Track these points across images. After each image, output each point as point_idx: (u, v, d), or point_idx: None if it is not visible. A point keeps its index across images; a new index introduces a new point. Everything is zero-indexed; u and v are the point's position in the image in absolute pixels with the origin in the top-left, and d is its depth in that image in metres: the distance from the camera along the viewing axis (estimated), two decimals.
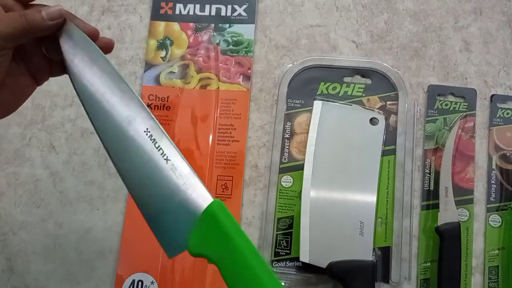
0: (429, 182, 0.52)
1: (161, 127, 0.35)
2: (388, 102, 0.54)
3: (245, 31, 0.57)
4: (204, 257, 0.34)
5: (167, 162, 0.35)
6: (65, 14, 0.36)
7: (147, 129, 0.35)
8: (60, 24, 0.36)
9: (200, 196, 0.34)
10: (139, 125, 0.35)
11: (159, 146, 0.35)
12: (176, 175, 0.34)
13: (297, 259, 0.49)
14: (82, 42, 0.36)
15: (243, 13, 0.57)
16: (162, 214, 0.35)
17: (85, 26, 0.37)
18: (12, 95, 0.38)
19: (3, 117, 0.38)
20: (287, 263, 0.51)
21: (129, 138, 0.35)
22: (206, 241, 0.33)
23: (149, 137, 0.35)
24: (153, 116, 0.36)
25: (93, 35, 0.37)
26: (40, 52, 0.38)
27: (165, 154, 0.35)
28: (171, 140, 0.35)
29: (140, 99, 0.36)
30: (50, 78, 0.40)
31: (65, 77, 0.38)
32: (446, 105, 0.54)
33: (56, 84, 0.56)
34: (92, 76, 0.36)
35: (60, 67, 0.37)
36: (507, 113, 0.54)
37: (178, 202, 0.34)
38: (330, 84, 0.55)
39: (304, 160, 0.51)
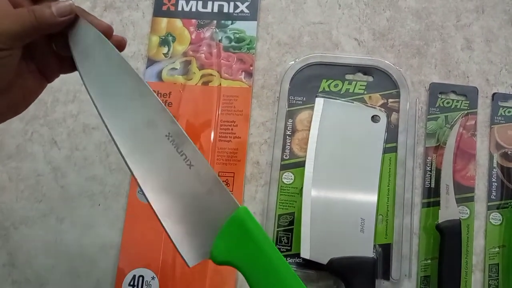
0: (430, 179, 0.52)
1: (184, 132, 0.34)
2: (390, 100, 0.54)
3: (247, 28, 0.57)
4: (229, 265, 0.33)
5: (190, 168, 0.34)
6: (76, 10, 0.34)
7: (169, 133, 0.34)
8: (71, 21, 0.34)
9: (226, 202, 0.33)
10: (160, 129, 0.34)
11: (181, 151, 0.34)
12: (201, 181, 0.34)
13: (298, 255, 0.49)
14: (95, 40, 0.35)
15: (246, 10, 0.57)
16: (184, 221, 0.34)
17: (98, 22, 0.35)
18: (21, 95, 0.36)
19: (12, 117, 0.37)
20: (288, 259, 0.51)
21: (149, 142, 0.34)
22: (233, 248, 0.33)
23: (171, 141, 0.34)
24: (176, 121, 0.35)
25: (107, 33, 0.35)
26: (50, 50, 0.36)
27: (188, 160, 0.34)
28: (195, 146, 0.35)
29: (161, 103, 0.35)
30: None
31: None
32: (448, 103, 0.54)
33: (59, 80, 0.55)
34: (107, 77, 0.35)
35: (71, 63, 0.36)
36: (509, 112, 0.54)
37: (201, 208, 0.33)
38: (332, 82, 0.55)
39: (305, 157, 0.51)
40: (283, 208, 0.52)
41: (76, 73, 0.36)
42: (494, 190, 0.52)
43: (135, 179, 0.34)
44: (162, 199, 0.33)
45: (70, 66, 0.37)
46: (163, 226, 0.34)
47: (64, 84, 0.57)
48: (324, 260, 0.48)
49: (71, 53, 0.35)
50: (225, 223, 0.33)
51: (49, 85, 0.39)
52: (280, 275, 0.32)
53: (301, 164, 0.52)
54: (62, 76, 0.41)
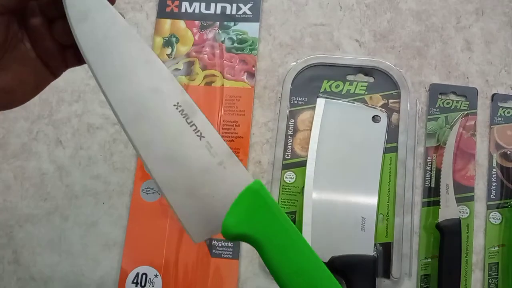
0: (430, 179, 0.53)
1: (194, 103, 0.32)
2: (391, 100, 0.55)
3: (249, 29, 0.58)
4: (242, 239, 0.31)
5: (200, 139, 0.32)
6: None
7: (177, 103, 0.32)
8: None
9: (239, 175, 0.31)
10: (168, 98, 0.32)
11: (191, 121, 0.32)
12: (211, 153, 0.32)
13: None
14: (96, 3, 0.32)
15: (248, 12, 0.58)
16: (192, 194, 0.31)
17: None
18: (17, 81, 0.34)
19: (8, 108, 0.35)
20: None
21: (154, 110, 0.32)
22: (249, 220, 0.31)
23: (180, 111, 0.32)
24: (185, 91, 0.32)
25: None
26: (50, 36, 0.34)
27: (198, 131, 0.32)
28: (206, 117, 0.32)
29: (170, 72, 0.33)
30: None
31: (71, 72, 0.37)
32: (448, 103, 0.55)
33: (63, 80, 0.57)
34: (108, 41, 0.32)
35: (75, 53, 0.34)
36: (508, 112, 0.54)
37: (212, 181, 0.31)
38: (333, 82, 0.55)
39: (306, 156, 0.52)
40: (284, 207, 0.52)
41: (80, 73, 0.35)
42: (493, 190, 0.52)
43: (136, 149, 0.32)
44: (167, 170, 0.31)
45: (74, 57, 0.35)
46: (167, 200, 0.31)
47: (69, 84, 0.57)
48: (325, 258, 0.48)
49: (67, 16, 0.32)
50: (239, 195, 0.31)
51: (54, 85, 0.38)
52: (299, 244, 0.31)
53: (303, 164, 0.52)
54: (67, 76, 0.40)
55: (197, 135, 0.32)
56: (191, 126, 0.32)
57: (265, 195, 0.31)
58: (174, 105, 0.32)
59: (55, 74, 0.37)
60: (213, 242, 0.52)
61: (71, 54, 0.35)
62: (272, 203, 0.31)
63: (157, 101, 0.32)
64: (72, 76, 0.57)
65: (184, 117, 0.32)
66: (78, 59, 0.35)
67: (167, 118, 0.32)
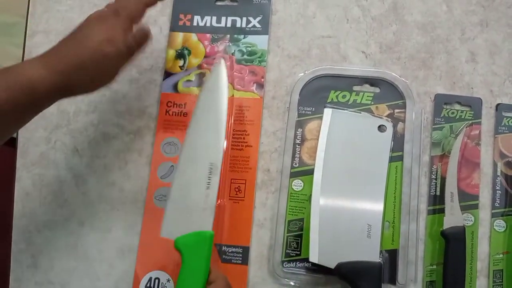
0: (436, 187, 0.54)
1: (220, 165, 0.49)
2: (396, 110, 0.56)
3: (259, 41, 0.59)
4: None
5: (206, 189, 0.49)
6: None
7: (211, 163, 0.49)
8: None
9: (207, 221, 0.48)
10: (210, 157, 0.49)
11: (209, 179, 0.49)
12: (207, 201, 0.48)
13: (306, 260, 0.51)
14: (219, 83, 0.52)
15: (257, 25, 0.60)
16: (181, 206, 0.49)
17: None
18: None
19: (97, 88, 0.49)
20: (297, 263, 0.53)
21: (198, 161, 0.49)
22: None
23: (209, 168, 0.49)
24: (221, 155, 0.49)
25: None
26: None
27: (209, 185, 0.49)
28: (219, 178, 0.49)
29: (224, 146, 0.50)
30: None
31: None
32: (453, 113, 0.56)
33: None
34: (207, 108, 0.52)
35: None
36: None
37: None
38: (340, 93, 0.57)
39: (314, 165, 0.53)
40: (292, 214, 0.54)
41: None
42: (498, 198, 0.53)
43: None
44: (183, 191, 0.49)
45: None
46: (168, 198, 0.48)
47: (86, 95, 0.59)
48: (332, 265, 0.49)
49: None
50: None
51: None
52: None
53: (310, 172, 0.54)
54: None
55: (206, 188, 0.49)
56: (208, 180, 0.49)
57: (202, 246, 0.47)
58: (209, 164, 0.49)
59: None
60: (223, 248, 0.53)
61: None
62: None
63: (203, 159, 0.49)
64: None
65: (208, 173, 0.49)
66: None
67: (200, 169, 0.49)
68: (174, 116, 0.58)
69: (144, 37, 0.49)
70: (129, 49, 0.48)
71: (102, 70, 0.46)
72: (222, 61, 0.54)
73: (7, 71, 0.43)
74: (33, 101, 0.43)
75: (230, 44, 0.60)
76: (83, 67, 0.45)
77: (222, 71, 0.52)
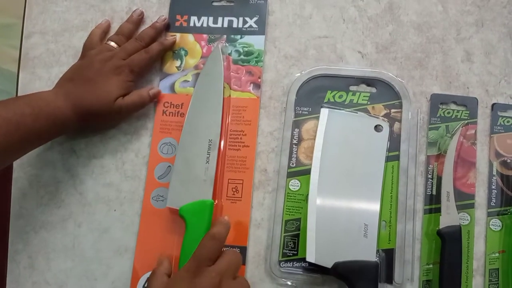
0: (432, 187, 0.54)
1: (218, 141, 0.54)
2: (392, 110, 0.56)
3: (255, 42, 0.60)
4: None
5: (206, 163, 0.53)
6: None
7: (210, 139, 0.54)
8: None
9: (206, 193, 0.52)
10: (209, 133, 0.54)
11: (209, 153, 0.53)
12: (207, 173, 0.53)
13: (303, 259, 0.51)
14: (216, 71, 0.56)
15: (254, 25, 0.60)
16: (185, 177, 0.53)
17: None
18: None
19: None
20: (294, 263, 0.53)
21: (198, 137, 0.54)
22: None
23: (208, 144, 0.54)
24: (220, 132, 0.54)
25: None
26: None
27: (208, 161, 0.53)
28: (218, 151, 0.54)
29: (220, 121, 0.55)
30: None
31: None
32: (449, 113, 0.56)
33: None
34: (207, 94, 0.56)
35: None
36: (508, 121, 0.56)
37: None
38: (337, 93, 0.57)
39: (311, 165, 0.54)
40: (289, 214, 0.54)
41: None
42: (494, 197, 0.54)
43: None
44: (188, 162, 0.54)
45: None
46: (175, 163, 0.54)
47: None
48: (329, 264, 0.50)
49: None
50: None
51: None
52: None
53: (307, 172, 0.54)
54: None
55: (206, 162, 0.53)
56: (207, 155, 0.53)
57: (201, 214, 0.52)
58: (209, 140, 0.54)
59: None
60: None
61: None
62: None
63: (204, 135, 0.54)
64: None
65: (208, 149, 0.54)
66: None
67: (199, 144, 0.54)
68: (171, 117, 0.58)
69: (138, 106, 0.57)
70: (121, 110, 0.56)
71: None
72: (219, 46, 0.58)
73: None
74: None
75: (227, 44, 0.60)
76: (99, 116, 0.55)
77: (218, 55, 0.57)
